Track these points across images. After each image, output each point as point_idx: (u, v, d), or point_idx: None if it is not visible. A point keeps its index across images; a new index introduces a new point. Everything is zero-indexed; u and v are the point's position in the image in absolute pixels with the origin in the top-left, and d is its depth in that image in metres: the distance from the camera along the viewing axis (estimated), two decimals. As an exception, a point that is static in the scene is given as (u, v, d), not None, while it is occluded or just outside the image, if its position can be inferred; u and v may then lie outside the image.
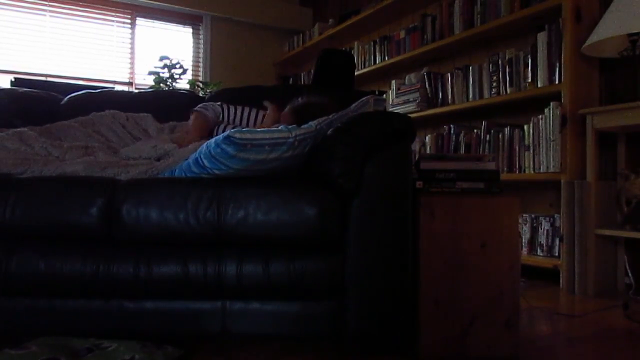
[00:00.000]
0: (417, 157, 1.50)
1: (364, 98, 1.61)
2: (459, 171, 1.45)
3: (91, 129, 1.80)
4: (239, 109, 1.96)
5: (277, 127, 1.35)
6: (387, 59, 3.82)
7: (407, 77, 3.57)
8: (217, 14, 4.96)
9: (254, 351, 1.40)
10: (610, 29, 2.14)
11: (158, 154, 1.60)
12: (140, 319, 1.30)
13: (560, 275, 2.33)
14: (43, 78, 4.22)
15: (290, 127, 1.29)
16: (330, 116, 1.46)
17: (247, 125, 1.92)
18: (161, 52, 4.75)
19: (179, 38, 4.99)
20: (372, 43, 4.01)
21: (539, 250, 2.59)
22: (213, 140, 1.26)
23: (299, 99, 1.83)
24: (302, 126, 1.33)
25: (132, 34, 4.73)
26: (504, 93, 2.79)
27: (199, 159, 1.31)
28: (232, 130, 1.23)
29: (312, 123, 1.36)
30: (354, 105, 1.59)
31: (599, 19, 2.30)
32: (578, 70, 2.40)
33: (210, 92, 4.06)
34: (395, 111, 3.47)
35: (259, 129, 1.27)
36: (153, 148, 1.61)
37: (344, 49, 4.33)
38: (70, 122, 1.81)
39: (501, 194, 1.44)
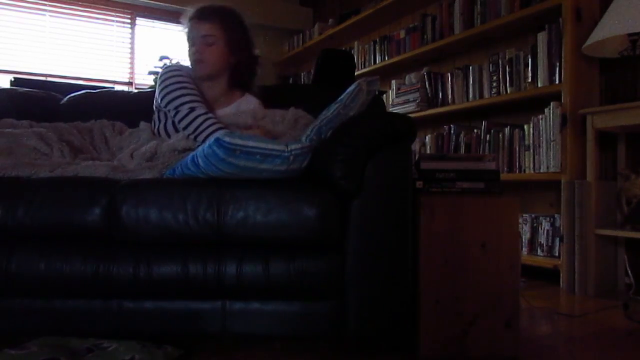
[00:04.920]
0: (417, 157, 1.50)
1: (354, 84, 1.47)
2: (459, 171, 1.45)
3: (88, 137, 1.76)
4: None
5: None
6: (387, 59, 3.82)
7: (407, 77, 3.57)
8: (217, 14, 4.95)
9: (254, 351, 1.40)
10: (610, 29, 2.14)
11: (145, 158, 1.55)
12: (140, 319, 1.29)
13: (560, 275, 2.33)
14: (43, 78, 4.22)
15: (287, 141, 1.26)
16: (330, 114, 1.44)
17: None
18: (161, 52, 4.74)
19: (179, 38, 4.98)
20: (372, 43, 4.01)
21: (539, 250, 2.59)
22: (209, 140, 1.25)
23: None
24: (299, 141, 1.30)
25: (132, 34, 4.72)
26: (504, 93, 2.79)
27: (195, 157, 1.30)
28: (222, 132, 1.20)
29: (308, 131, 1.33)
30: (344, 95, 1.46)
31: (599, 19, 2.30)
32: (578, 70, 2.40)
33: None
34: (395, 111, 3.48)
35: (253, 135, 1.24)
36: (131, 157, 1.56)
37: (344, 49, 4.33)
38: (69, 125, 1.78)
39: (501, 194, 1.44)
